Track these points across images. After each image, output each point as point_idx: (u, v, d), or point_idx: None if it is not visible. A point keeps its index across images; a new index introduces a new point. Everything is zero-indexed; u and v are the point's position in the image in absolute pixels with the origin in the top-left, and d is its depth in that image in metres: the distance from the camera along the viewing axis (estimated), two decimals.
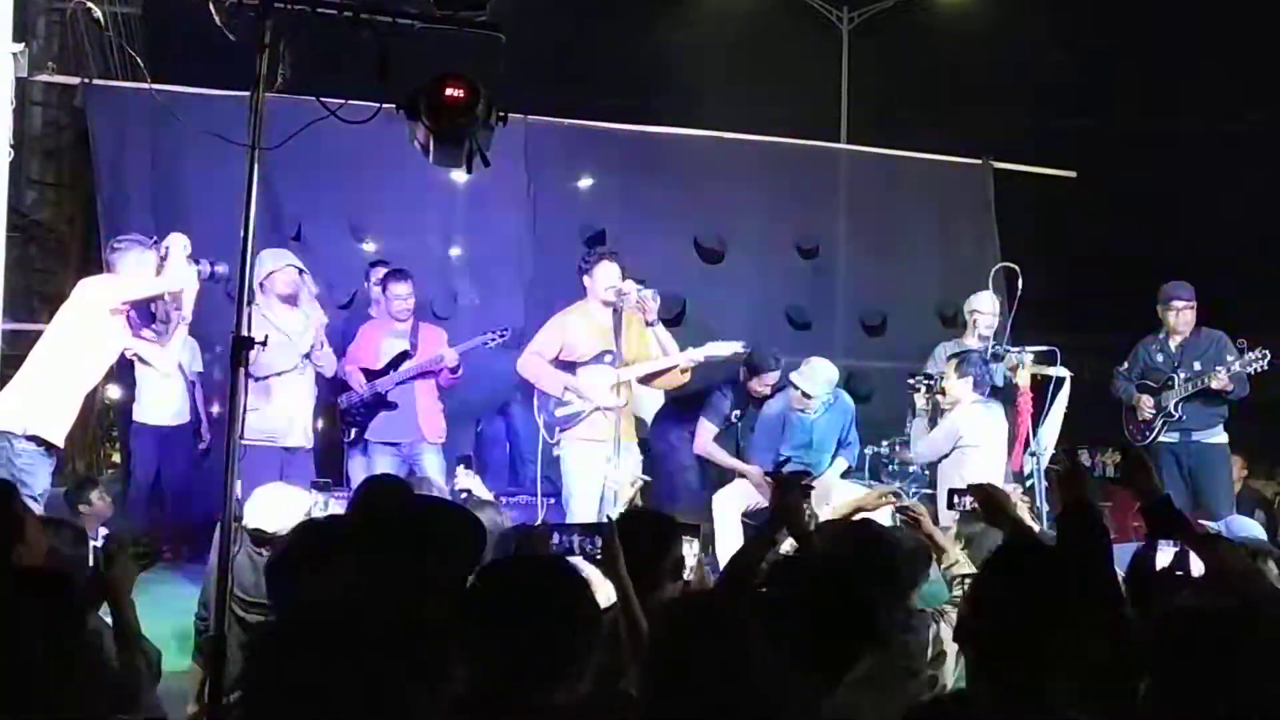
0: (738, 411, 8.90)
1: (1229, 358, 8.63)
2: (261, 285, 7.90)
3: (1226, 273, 9.18)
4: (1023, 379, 8.96)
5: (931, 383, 8.54)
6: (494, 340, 8.64)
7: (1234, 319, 9.11)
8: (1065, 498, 3.85)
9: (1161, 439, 8.85)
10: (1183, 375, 8.77)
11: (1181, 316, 8.89)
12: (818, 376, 8.46)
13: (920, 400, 8.55)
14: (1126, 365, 9.19)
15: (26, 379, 7.08)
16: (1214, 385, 8.59)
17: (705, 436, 8.93)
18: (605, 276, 8.07)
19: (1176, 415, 8.78)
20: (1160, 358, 8.99)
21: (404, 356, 8.63)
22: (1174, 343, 8.94)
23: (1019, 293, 9.13)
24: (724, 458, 8.92)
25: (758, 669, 2.64)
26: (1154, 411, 8.87)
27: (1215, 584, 3.51)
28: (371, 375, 8.62)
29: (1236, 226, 11.40)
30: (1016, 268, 9.12)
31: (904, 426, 9.69)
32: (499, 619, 2.78)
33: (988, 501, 4.49)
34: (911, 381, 8.69)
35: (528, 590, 2.85)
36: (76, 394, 7.20)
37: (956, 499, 5.04)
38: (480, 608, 2.85)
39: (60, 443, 7.13)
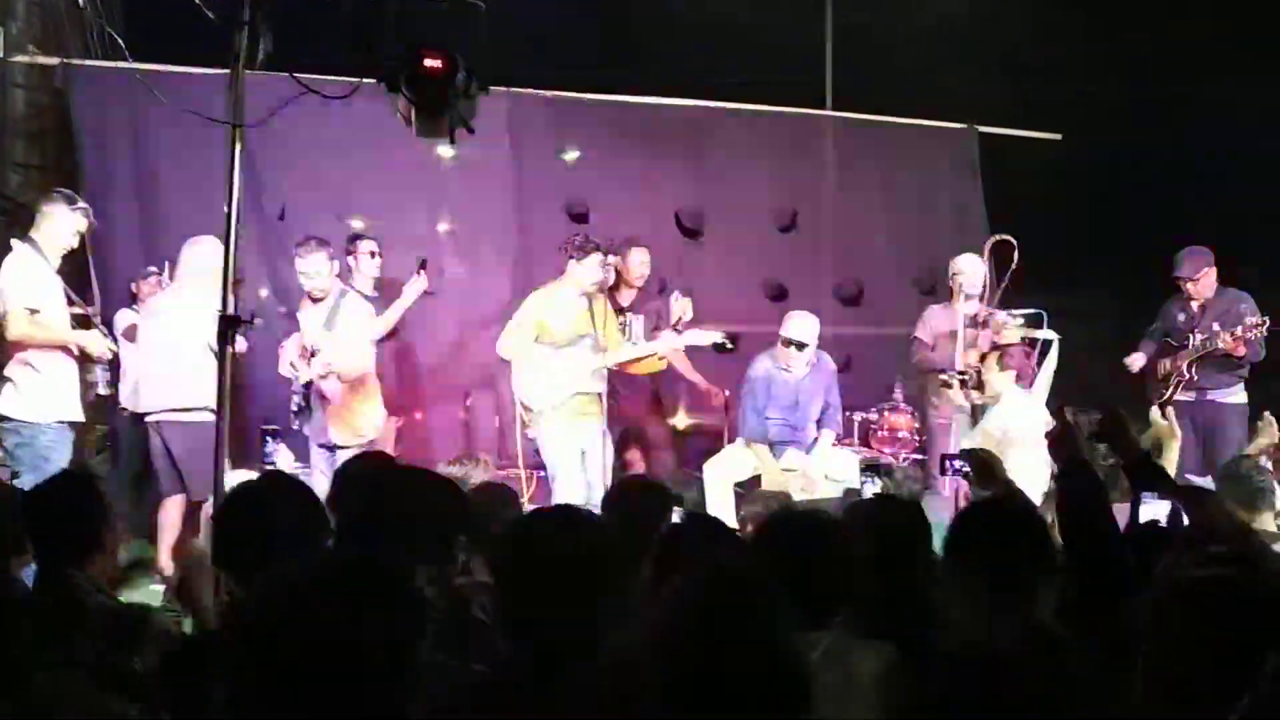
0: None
1: (1249, 319, 8.63)
2: None
3: (1218, 236, 9.13)
4: (1009, 340, 8.96)
5: (965, 377, 8.44)
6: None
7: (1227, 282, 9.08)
8: (1059, 457, 3.87)
9: (1179, 397, 8.87)
10: (1198, 337, 8.79)
11: (1197, 287, 8.94)
12: (807, 325, 8.47)
13: (957, 396, 8.41)
14: (1154, 325, 9.26)
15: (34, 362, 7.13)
16: (1221, 345, 8.62)
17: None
18: (593, 271, 8.20)
19: (1189, 376, 8.83)
20: (1182, 318, 9.03)
21: None
22: (1196, 304, 8.98)
23: (1014, 265, 9.09)
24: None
25: (782, 628, 2.64)
26: (1168, 370, 8.94)
27: (1201, 539, 3.52)
28: None
29: (1228, 189, 11.37)
30: (1014, 240, 9.09)
31: (889, 393, 9.72)
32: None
33: (980, 466, 4.51)
34: (944, 378, 8.55)
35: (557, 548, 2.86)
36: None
37: (949, 464, 5.06)
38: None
39: (82, 417, 7.21)
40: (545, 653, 2.74)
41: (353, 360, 7.91)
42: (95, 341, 7.28)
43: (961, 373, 8.40)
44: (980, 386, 8.26)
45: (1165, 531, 3.91)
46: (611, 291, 8.68)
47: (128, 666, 3.52)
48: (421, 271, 8.62)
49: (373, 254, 8.77)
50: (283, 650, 2.21)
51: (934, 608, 4.22)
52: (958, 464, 4.95)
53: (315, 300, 8.01)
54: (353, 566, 2.37)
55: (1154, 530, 3.77)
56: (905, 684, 2.98)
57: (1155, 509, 4.05)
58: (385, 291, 8.79)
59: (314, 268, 7.90)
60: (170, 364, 7.69)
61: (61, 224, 7.20)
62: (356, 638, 2.22)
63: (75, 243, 7.30)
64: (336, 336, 7.87)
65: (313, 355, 7.80)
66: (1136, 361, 9.04)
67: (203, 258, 7.62)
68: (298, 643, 2.21)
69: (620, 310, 8.53)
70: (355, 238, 8.86)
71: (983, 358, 8.27)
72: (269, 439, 6.65)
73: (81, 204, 7.30)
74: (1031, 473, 7.30)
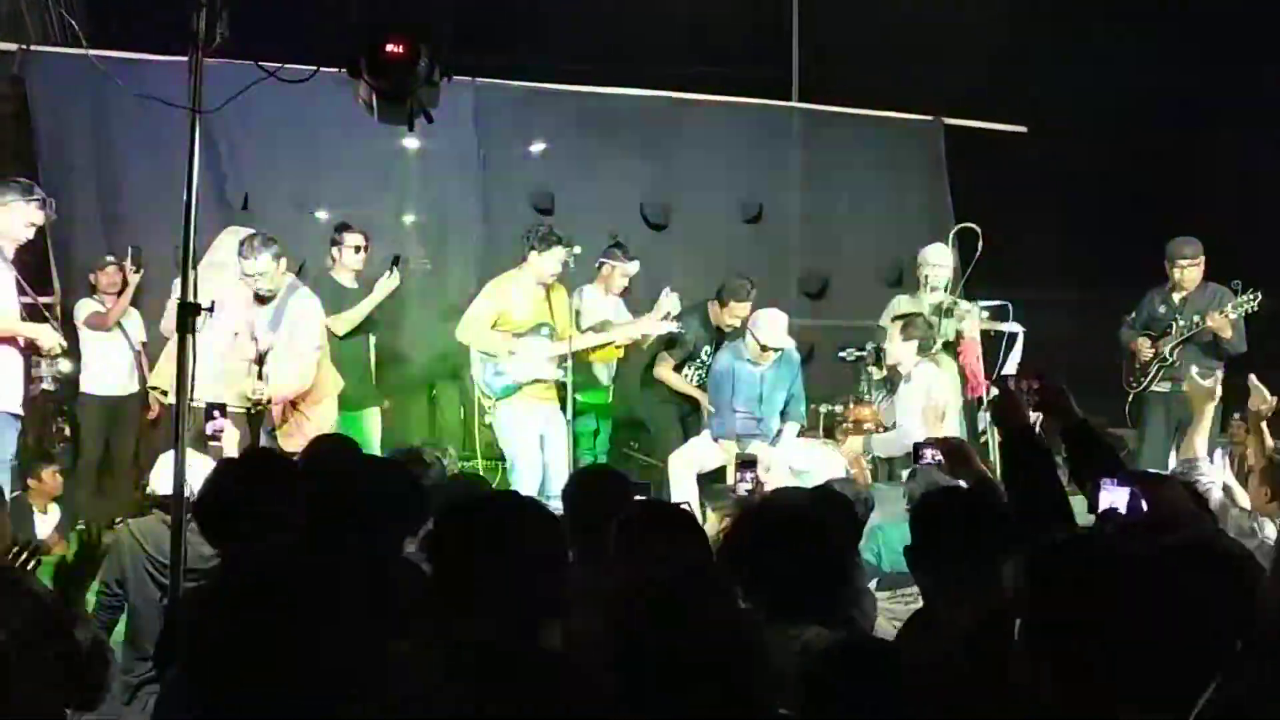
0: (707, 348, 9.04)
1: (1239, 297, 8.61)
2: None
3: (1185, 229, 9.13)
4: (970, 331, 9.00)
5: (864, 354, 8.49)
6: None
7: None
8: (1003, 425, 3.87)
9: (1154, 388, 8.88)
10: (1181, 322, 8.76)
11: (1186, 274, 8.85)
12: (778, 327, 8.45)
13: (872, 371, 8.47)
14: (1134, 314, 9.20)
15: None
16: (1210, 325, 8.56)
17: (664, 366, 9.05)
18: (553, 263, 8.25)
19: (1171, 359, 8.78)
20: (1163, 309, 8.97)
21: None
22: (1178, 296, 8.92)
23: (977, 253, 9.11)
24: (683, 385, 9.05)
25: (740, 619, 2.63)
26: (1150, 357, 8.89)
27: (1155, 522, 3.53)
28: None
29: (1196, 181, 11.44)
30: (977, 228, 9.11)
31: (852, 385, 9.72)
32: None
33: (953, 454, 4.52)
34: (844, 355, 8.59)
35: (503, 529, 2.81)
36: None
37: (922, 453, 5.05)
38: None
39: (20, 410, 7.05)
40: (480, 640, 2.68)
41: (294, 378, 7.73)
42: (45, 334, 7.12)
43: (860, 349, 8.43)
44: (878, 362, 8.32)
45: (1124, 519, 3.90)
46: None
47: None
48: (394, 269, 8.56)
49: (358, 248, 8.64)
50: (241, 630, 2.19)
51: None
52: (931, 452, 4.95)
53: (263, 301, 7.78)
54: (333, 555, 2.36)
55: (1112, 517, 3.76)
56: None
57: (1115, 496, 4.04)
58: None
59: (260, 268, 7.63)
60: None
61: (14, 215, 7.00)
62: (317, 619, 2.20)
63: (29, 235, 7.08)
64: (282, 341, 7.71)
65: (260, 362, 7.64)
66: (1144, 346, 8.97)
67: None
68: (257, 623, 2.19)
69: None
70: (342, 228, 8.71)
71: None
72: (215, 413, 6.54)
73: (38, 194, 7.12)
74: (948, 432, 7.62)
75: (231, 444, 6.86)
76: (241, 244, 7.74)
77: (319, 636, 2.21)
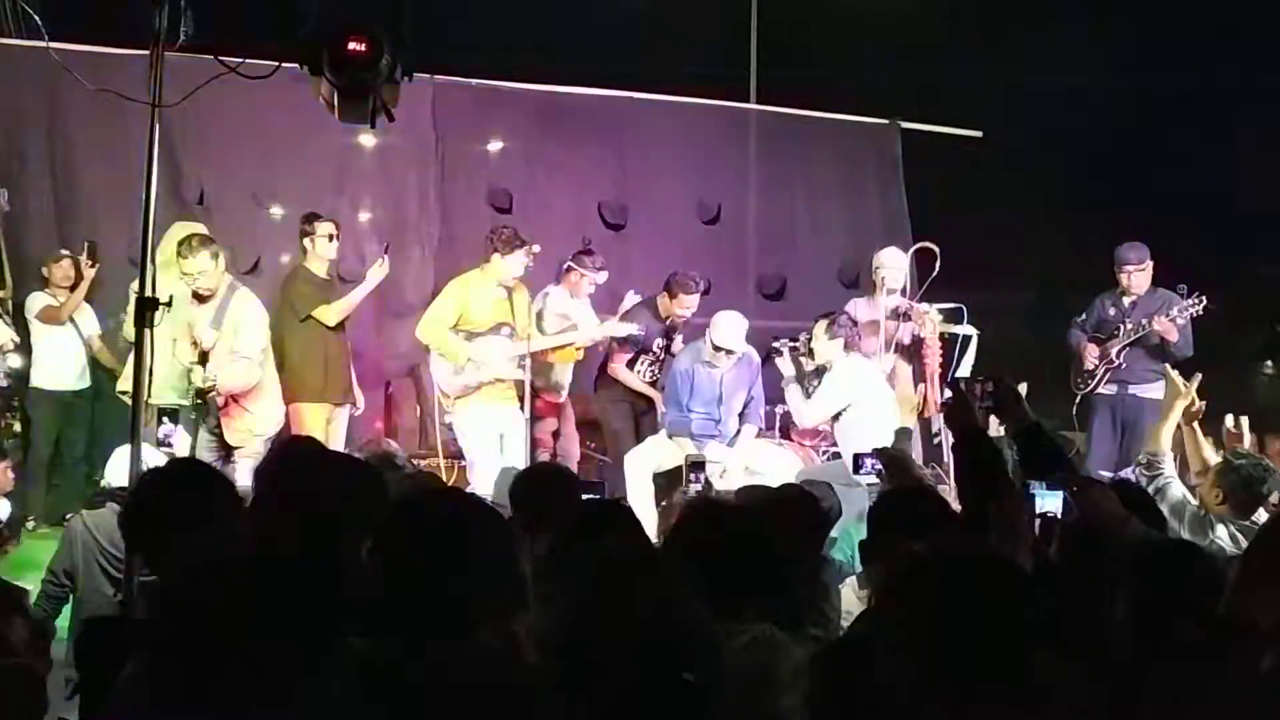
0: (660, 341, 9.12)
1: (1184, 301, 8.64)
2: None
3: (1138, 233, 9.22)
4: (928, 335, 9.06)
5: (797, 345, 8.53)
6: None
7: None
8: (955, 427, 3.91)
9: (1101, 390, 8.94)
10: (1129, 325, 8.81)
11: (1133, 279, 8.90)
12: (734, 329, 8.48)
13: (785, 365, 8.52)
14: (1083, 316, 9.23)
15: None
16: (1155, 328, 8.59)
17: (618, 363, 9.08)
18: (516, 266, 8.31)
19: (1118, 362, 8.82)
20: (1112, 311, 9.00)
21: None
22: (1127, 300, 8.96)
23: (934, 272, 9.16)
24: (636, 383, 9.08)
25: (679, 612, 2.64)
26: (1097, 360, 8.94)
27: (1085, 525, 3.59)
28: None
29: (1152, 184, 11.56)
30: (935, 248, 9.17)
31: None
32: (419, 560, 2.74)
33: (892, 463, 4.57)
34: (776, 345, 8.63)
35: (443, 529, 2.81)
36: None
37: (862, 462, 5.09)
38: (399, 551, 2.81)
39: None
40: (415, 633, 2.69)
41: (239, 376, 7.68)
42: None
43: (793, 340, 8.48)
44: (810, 354, 8.38)
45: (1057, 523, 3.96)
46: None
47: None
48: (385, 258, 8.55)
49: (331, 237, 8.46)
50: (202, 624, 2.20)
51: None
52: (871, 462, 5.00)
53: (202, 300, 7.71)
54: (272, 544, 2.36)
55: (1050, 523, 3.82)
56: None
57: (1047, 502, 4.10)
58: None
59: (199, 267, 7.58)
60: None
61: None
62: (277, 614, 2.20)
63: None
64: (225, 340, 7.64)
65: (203, 360, 7.59)
66: (1091, 353, 9.02)
67: None
68: (218, 617, 2.19)
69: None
70: (312, 218, 8.52)
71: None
72: (165, 419, 6.50)
73: None
74: (880, 435, 7.63)
75: (183, 448, 6.85)
76: (180, 244, 7.69)
77: (277, 632, 2.22)
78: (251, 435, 7.73)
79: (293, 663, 2.22)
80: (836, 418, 8.31)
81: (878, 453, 4.95)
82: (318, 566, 2.32)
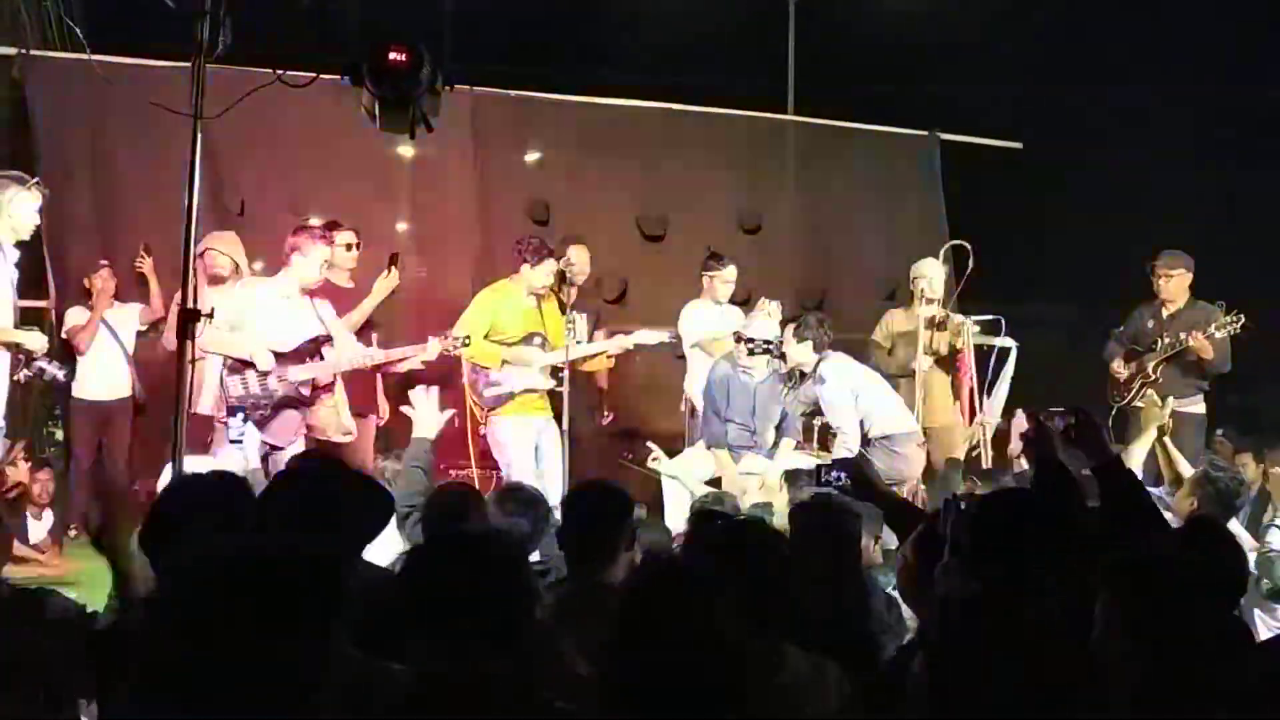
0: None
1: (1221, 319, 8.53)
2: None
3: (1180, 245, 9.13)
4: (963, 345, 9.02)
5: (770, 347, 8.44)
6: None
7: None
8: (1032, 459, 3.88)
9: (1138, 403, 8.77)
10: (1166, 339, 8.70)
11: (1171, 284, 8.81)
12: (765, 323, 8.50)
13: (761, 370, 8.46)
14: (1122, 328, 9.15)
15: None
16: (1191, 344, 8.50)
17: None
18: (545, 275, 8.30)
19: (1154, 376, 8.70)
20: (1150, 324, 8.91)
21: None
22: (1166, 311, 8.87)
23: (969, 270, 9.12)
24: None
25: (723, 632, 2.63)
26: (1133, 373, 8.85)
27: None
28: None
29: (1192, 199, 11.48)
30: (968, 245, 9.12)
31: None
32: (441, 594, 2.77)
33: (857, 477, 4.53)
34: (751, 347, 8.54)
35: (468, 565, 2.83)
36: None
37: (824, 474, 5.02)
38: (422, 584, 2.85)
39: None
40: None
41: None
42: (32, 339, 7.11)
43: (766, 342, 8.41)
44: (782, 356, 8.34)
45: None
46: (553, 290, 8.68)
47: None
48: (393, 267, 8.49)
49: (350, 245, 8.45)
50: (199, 630, 2.21)
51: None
52: (835, 474, 4.93)
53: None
54: (273, 552, 2.37)
55: None
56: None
57: None
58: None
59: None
60: None
61: (19, 206, 6.99)
62: (274, 622, 2.21)
63: (35, 222, 7.09)
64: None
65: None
66: (1121, 367, 8.95)
67: None
68: (213, 623, 2.21)
69: (563, 308, 8.52)
70: (331, 226, 8.41)
71: (783, 325, 8.40)
72: (239, 413, 6.53)
73: (33, 179, 7.12)
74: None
75: (254, 446, 6.91)
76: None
77: (270, 640, 2.23)
78: (338, 422, 7.77)
79: (287, 671, 2.22)
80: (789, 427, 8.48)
81: (841, 464, 4.88)
82: (315, 576, 2.32)
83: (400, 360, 7.92)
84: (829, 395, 8.22)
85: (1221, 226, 10.92)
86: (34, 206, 7.04)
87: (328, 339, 7.38)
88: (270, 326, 7.27)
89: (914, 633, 4.09)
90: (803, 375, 8.39)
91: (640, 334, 8.70)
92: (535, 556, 4.74)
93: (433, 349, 7.69)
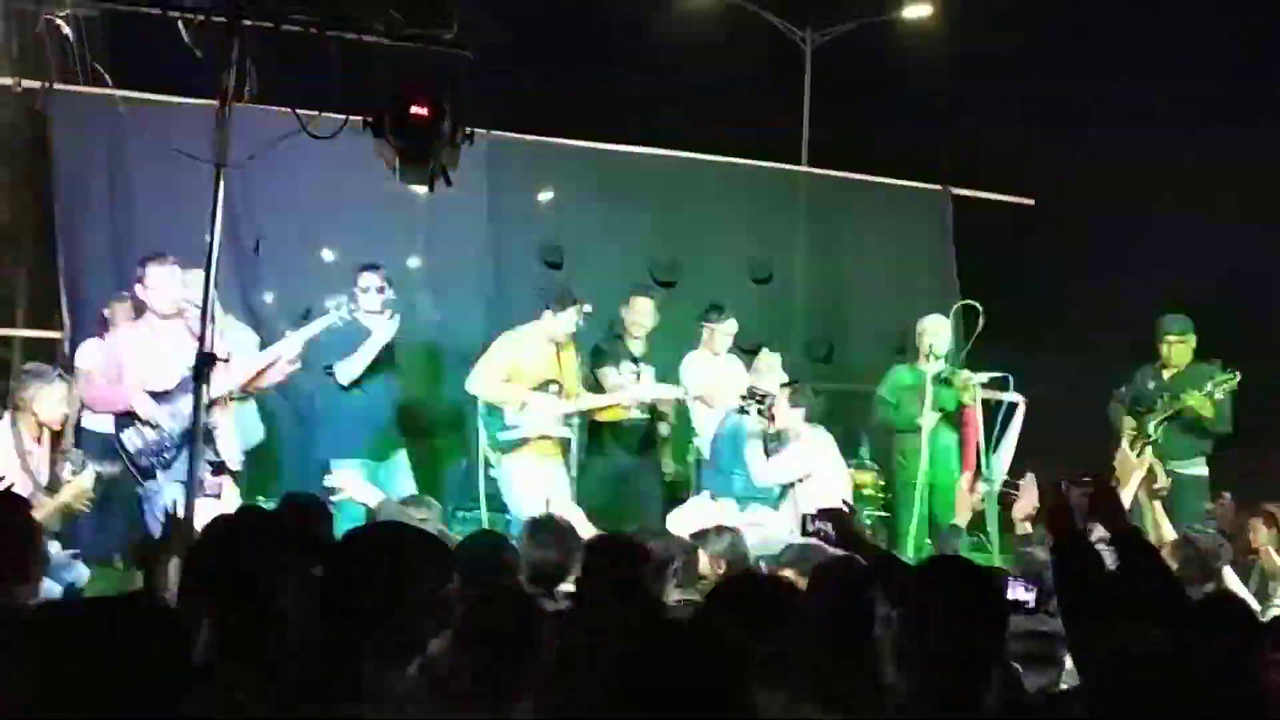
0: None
1: (1218, 377, 8.53)
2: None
3: (1189, 303, 9.14)
4: (971, 401, 9.03)
5: (763, 406, 8.45)
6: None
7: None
8: (1053, 531, 3.88)
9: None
10: (1165, 400, 8.67)
11: (1174, 350, 8.79)
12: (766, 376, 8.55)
13: (753, 421, 8.47)
14: (1124, 389, 9.11)
15: None
16: (1190, 403, 8.48)
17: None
18: (568, 324, 8.33)
19: (1153, 436, 8.65)
20: (1152, 385, 8.87)
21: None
22: (1168, 373, 8.84)
23: (978, 329, 9.13)
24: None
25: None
26: (1134, 434, 8.81)
27: None
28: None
29: (1202, 257, 11.52)
30: (979, 306, 9.13)
31: (855, 448, 9.77)
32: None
33: (840, 528, 4.57)
34: (743, 402, 8.55)
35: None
36: None
37: (810, 524, 5.07)
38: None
39: None
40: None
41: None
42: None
43: (761, 397, 8.40)
44: (772, 417, 8.36)
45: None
46: (619, 340, 8.92)
47: None
48: (394, 314, 8.37)
49: (368, 289, 8.20)
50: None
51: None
52: (819, 524, 4.97)
53: None
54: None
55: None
56: None
57: (1018, 592, 4.19)
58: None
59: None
60: None
61: (44, 403, 7.00)
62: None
63: (65, 410, 7.23)
64: None
65: None
66: (1128, 426, 8.92)
67: None
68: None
69: (634, 360, 8.84)
70: (363, 269, 8.32)
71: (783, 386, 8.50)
72: (152, 468, 6.55)
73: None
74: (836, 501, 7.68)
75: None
76: None
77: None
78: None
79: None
80: (791, 485, 8.37)
81: (825, 514, 4.91)
82: (165, 627, 2.37)
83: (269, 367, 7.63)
84: (791, 450, 8.29)
85: (1228, 292, 10.93)
86: (60, 395, 7.04)
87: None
88: (145, 369, 6.99)
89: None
90: (778, 438, 8.43)
91: (656, 387, 8.86)
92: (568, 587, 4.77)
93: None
